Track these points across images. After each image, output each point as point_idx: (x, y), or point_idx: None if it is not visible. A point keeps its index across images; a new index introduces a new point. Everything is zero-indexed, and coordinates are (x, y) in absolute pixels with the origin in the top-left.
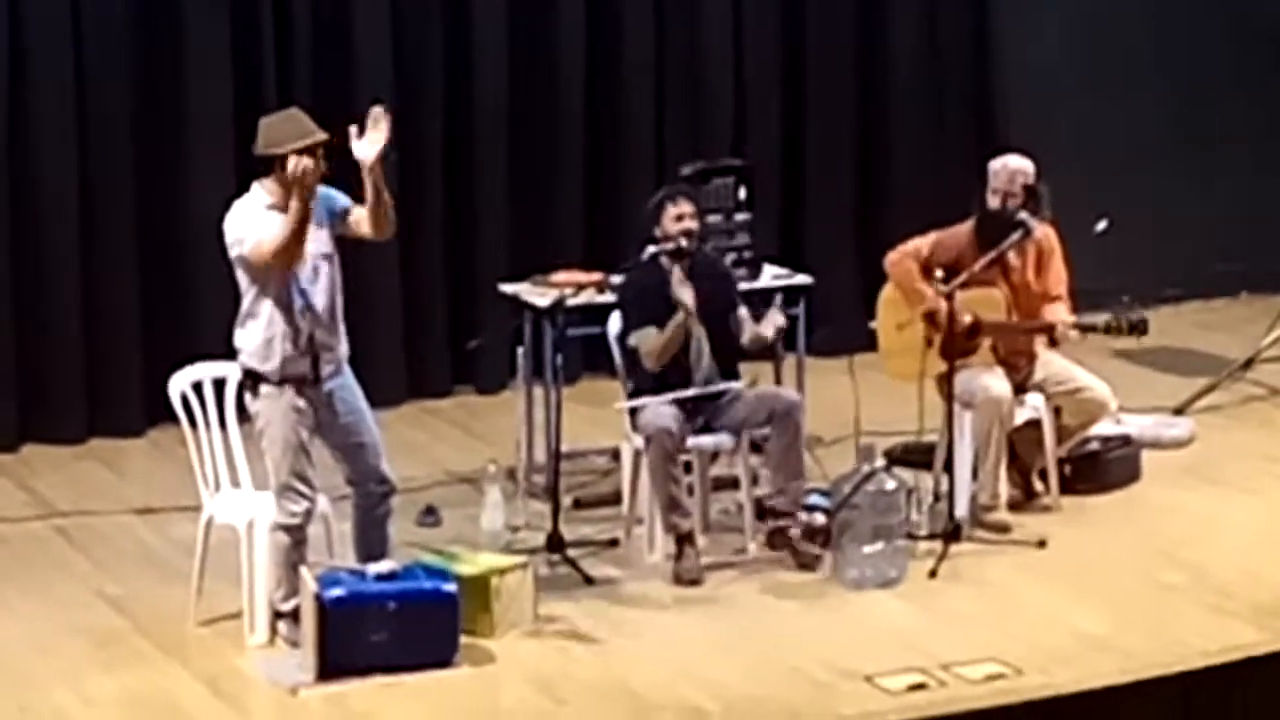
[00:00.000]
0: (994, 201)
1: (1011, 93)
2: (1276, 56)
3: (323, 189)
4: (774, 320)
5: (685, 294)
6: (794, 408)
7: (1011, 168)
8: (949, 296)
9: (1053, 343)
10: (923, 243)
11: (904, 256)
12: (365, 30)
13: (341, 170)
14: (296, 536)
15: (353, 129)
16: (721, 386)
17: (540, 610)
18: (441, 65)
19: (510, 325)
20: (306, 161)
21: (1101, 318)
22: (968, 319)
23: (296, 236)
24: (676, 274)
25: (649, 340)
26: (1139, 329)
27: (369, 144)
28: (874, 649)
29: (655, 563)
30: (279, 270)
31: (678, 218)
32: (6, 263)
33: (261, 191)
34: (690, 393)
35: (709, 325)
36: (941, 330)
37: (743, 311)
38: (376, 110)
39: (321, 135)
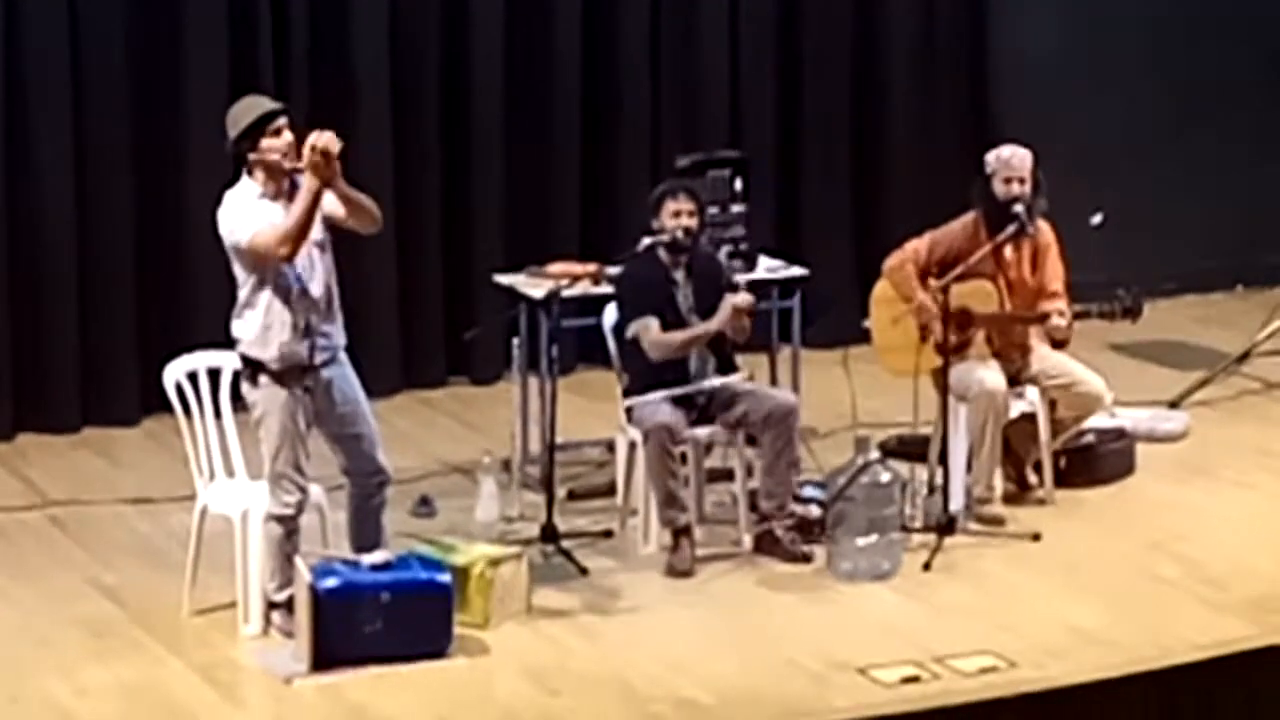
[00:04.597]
0: (1003, 189)
1: (1007, 85)
2: (1273, 50)
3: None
4: (731, 301)
5: (679, 301)
6: (791, 413)
7: (1022, 154)
8: (944, 291)
9: (1057, 344)
10: (919, 244)
11: (902, 261)
12: (362, 23)
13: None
14: (290, 527)
15: (303, 148)
16: (719, 381)
17: (534, 601)
18: (438, 56)
19: (505, 316)
20: (319, 140)
21: (1096, 304)
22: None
23: (306, 222)
24: (679, 278)
25: (653, 331)
26: (1133, 312)
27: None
28: (868, 641)
29: (650, 554)
30: (281, 261)
31: (675, 214)
32: (2, 250)
33: (251, 183)
34: (690, 389)
35: (704, 320)
36: (934, 331)
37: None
38: (325, 138)
39: (270, 107)
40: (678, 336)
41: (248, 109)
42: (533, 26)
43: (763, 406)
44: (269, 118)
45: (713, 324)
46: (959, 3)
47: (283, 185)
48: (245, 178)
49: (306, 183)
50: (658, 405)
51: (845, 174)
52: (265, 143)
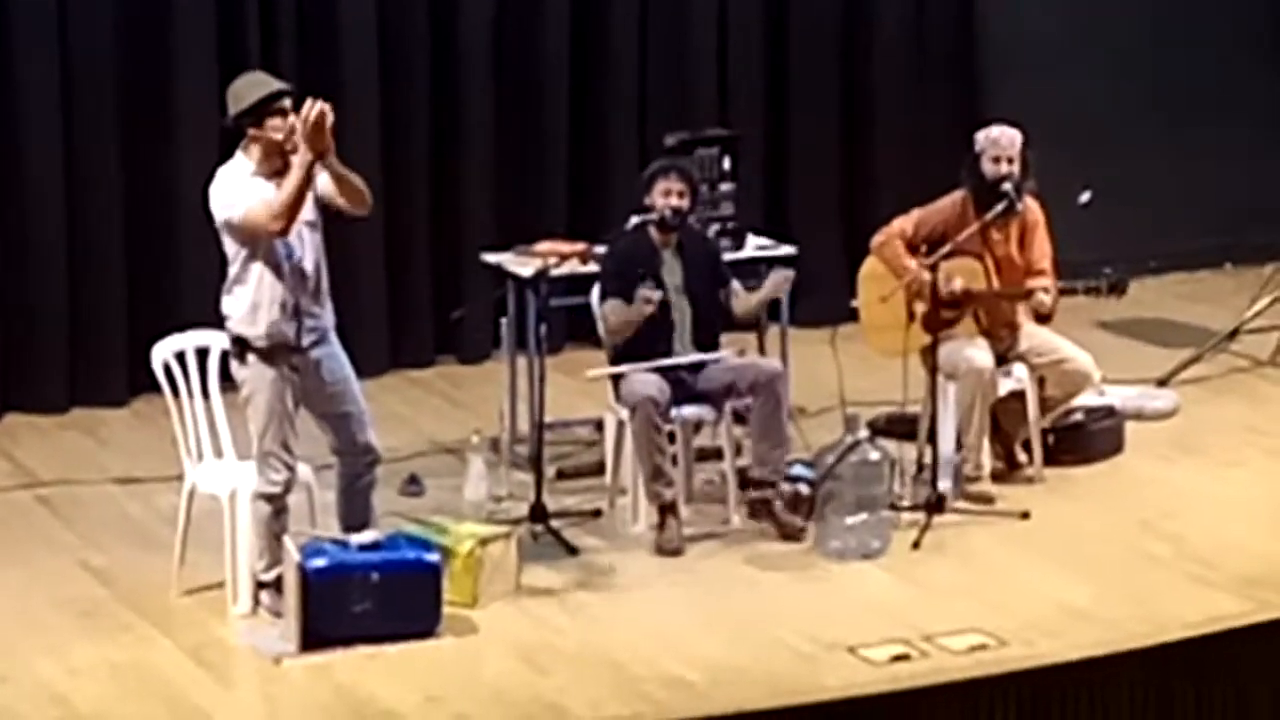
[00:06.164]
0: (992, 168)
1: (996, 63)
2: (1263, 29)
3: None
4: (774, 280)
5: (666, 280)
6: (776, 377)
7: (1011, 134)
8: (933, 268)
9: (1041, 319)
10: (906, 221)
11: (889, 238)
12: None
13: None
14: (277, 505)
15: (296, 124)
16: (704, 357)
17: (523, 581)
18: (426, 34)
19: (494, 295)
20: (310, 111)
21: (1082, 281)
22: (958, 284)
23: (299, 195)
24: (668, 257)
25: (612, 313)
26: (1118, 288)
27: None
28: (857, 620)
29: (639, 533)
30: (274, 236)
31: (665, 192)
32: None
33: (245, 159)
34: (670, 361)
35: (693, 300)
36: (925, 301)
37: (735, 284)
38: (318, 109)
39: (278, 85)
40: (619, 316)
41: (253, 86)
42: (522, 5)
43: (748, 375)
44: (276, 96)
45: (649, 307)
46: None
47: (277, 165)
48: (239, 154)
49: (300, 155)
50: (644, 379)
51: (834, 152)
52: (270, 121)
